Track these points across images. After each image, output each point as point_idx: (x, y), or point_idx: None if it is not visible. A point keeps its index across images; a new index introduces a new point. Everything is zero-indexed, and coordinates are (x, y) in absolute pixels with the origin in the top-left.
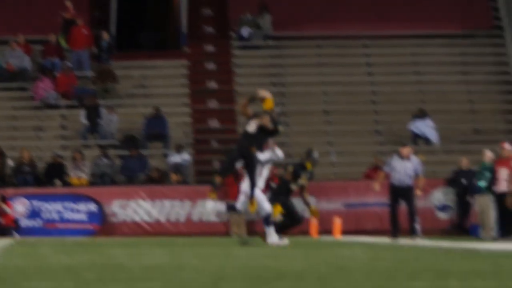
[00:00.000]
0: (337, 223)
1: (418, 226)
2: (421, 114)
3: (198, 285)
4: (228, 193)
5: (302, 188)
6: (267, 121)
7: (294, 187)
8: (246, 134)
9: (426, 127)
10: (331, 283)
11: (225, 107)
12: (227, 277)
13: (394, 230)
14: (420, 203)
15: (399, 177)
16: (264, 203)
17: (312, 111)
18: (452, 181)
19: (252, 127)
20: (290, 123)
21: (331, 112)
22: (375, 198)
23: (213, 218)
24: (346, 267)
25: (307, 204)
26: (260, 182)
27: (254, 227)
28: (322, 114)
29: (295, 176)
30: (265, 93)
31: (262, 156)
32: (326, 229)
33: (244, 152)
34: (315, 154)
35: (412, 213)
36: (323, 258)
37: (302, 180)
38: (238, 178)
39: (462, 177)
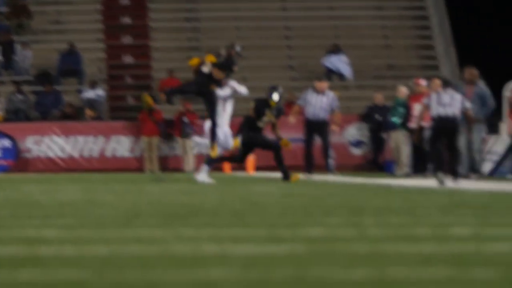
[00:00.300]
0: (251, 159)
1: (332, 162)
2: (335, 49)
3: (113, 221)
4: (141, 129)
5: (273, 125)
6: (216, 72)
7: (261, 124)
8: (202, 74)
9: (340, 62)
10: (246, 218)
11: (139, 42)
12: (142, 213)
13: (309, 166)
14: (334, 138)
15: (313, 111)
16: (228, 140)
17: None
18: (366, 117)
19: (207, 67)
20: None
21: (244, 48)
22: (290, 133)
23: (126, 153)
24: (260, 203)
25: (279, 138)
26: (225, 118)
27: (167, 163)
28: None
29: (259, 113)
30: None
31: (222, 92)
32: (240, 165)
33: (203, 90)
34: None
35: (326, 148)
36: (237, 194)
37: (268, 117)
38: (152, 115)
39: (376, 113)
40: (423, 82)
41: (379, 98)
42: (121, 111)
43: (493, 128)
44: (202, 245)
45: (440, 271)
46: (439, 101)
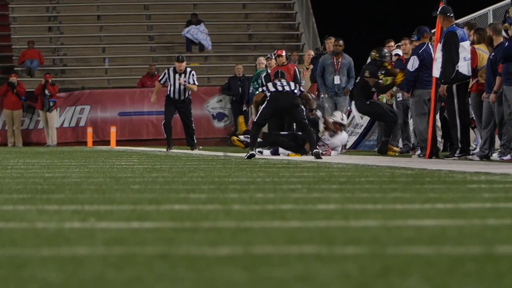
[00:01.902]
0: (113, 132)
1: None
2: (195, 20)
3: None
4: (2, 103)
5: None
6: None
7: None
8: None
9: (199, 33)
10: (109, 194)
11: None
12: (4, 188)
13: (170, 141)
14: (196, 112)
15: (173, 89)
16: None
17: (85, 17)
18: (228, 89)
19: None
20: (63, 30)
21: (103, 18)
22: (151, 106)
23: None
24: (123, 178)
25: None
26: None
27: (30, 137)
28: (94, 19)
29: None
30: None
31: None
32: (101, 139)
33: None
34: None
35: (188, 124)
36: (99, 168)
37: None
38: (15, 88)
39: (237, 85)
40: (284, 53)
41: (239, 69)
42: None
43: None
44: (66, 221)
45: (306, 247)
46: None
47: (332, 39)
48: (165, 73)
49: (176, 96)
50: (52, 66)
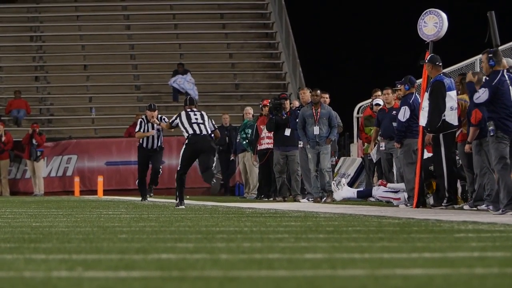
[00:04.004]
0: (100, 182)
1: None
2: (181, 70)
3: None
4: None
5: None
6: None
7: None
8: None
9: (186, 83)
10: (96, 243)
11: None
12: None
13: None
14: None
15: (146, 139)
16: None
17: (71, 67)
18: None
19: None
20: (49, 79)
21: (89, 67)
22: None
23: None
24: (110, 227)
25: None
26: None
27: (17, 187)
28: (81, 69)
29: None
30: None
31: None
32: (89, 188)
33: None
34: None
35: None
36: (87, 217)
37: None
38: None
39: (224, 135)
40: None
41: (226, 119)
42: None
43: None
44: (53, 270)
45: None
46: None
47: (305, 90)
48: (140, 122)
49: (149, 145)
50: (39, 115)
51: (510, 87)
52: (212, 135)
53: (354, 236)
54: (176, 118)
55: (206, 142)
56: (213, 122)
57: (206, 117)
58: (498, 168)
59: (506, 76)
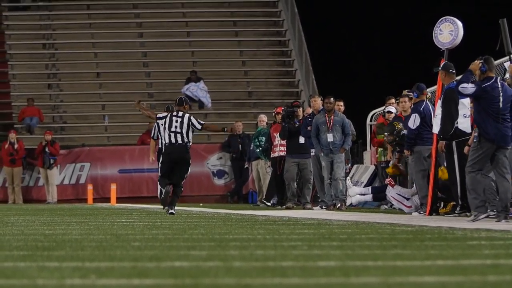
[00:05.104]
0: (113, 189)
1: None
2: (194, 77)
3: None
4: (2, 160)
5: None
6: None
7: None
8: None
9: (199, 91)
10: (109, 251)
11: None
12: (5, 245)
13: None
14: (196, 169)
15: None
16: None
17: (84, 74)
18: (228, 146)
19: None
20: (62, 87)
21: (102, 75)
22: (151, 164)
23: None
24: (123, 235)
25: None
26: None
27: (31, 194)
28: (94, 77)
29: None
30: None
31: None
32: (102, 196)
33: None
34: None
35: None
36: (100, 225)
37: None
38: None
39: (237, 142)
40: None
41: (239, 126)
42: None
43: (357, 157)
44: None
45: None
46: None
47: (316, 97)
48: (155, 127)
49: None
50: (51, 123)
51: (501, 93)
52: (189, 144)
53: (367, 243)
54: (162, 119)
55: (181, 153)
56: (200, 121)
57: (186, 124)
58: (468, 170)
59: (499, 83)
